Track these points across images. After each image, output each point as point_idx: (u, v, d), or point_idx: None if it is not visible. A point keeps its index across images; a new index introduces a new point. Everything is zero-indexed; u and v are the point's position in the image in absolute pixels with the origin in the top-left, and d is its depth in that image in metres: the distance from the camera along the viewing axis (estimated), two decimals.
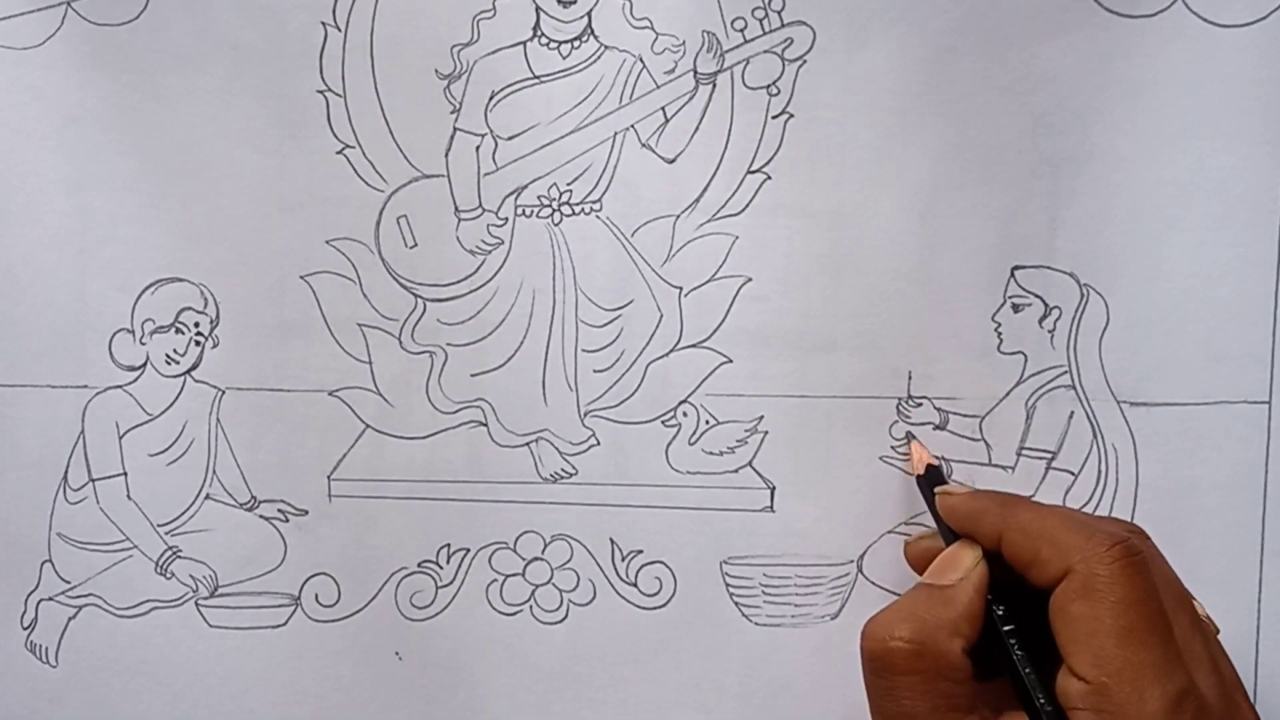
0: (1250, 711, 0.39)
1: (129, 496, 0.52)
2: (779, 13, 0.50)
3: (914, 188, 0.50)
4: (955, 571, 0.42)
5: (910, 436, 0.51)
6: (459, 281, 0.52)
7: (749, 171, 0.51)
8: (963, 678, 0.39)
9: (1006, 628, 0.41)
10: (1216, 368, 0.50)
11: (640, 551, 0.52)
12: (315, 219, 0.51)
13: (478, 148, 0.51)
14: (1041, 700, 0.39)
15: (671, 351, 0.52)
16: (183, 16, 0.51)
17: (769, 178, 0.51)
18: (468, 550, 0.52)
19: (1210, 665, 0.38)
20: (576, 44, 0.51)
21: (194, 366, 0.52)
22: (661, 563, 0.52)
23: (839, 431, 0.51)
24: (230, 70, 0.51)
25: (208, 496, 0.52)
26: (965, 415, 0.51)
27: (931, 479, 0.48)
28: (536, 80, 0.51)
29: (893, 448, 0.51)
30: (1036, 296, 0.51)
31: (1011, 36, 0.50)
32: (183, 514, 0.52)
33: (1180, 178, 0.50)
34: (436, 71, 0.51)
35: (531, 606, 0.52)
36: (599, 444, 0.52)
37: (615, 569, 0.52)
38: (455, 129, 0.51)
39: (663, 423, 0.52)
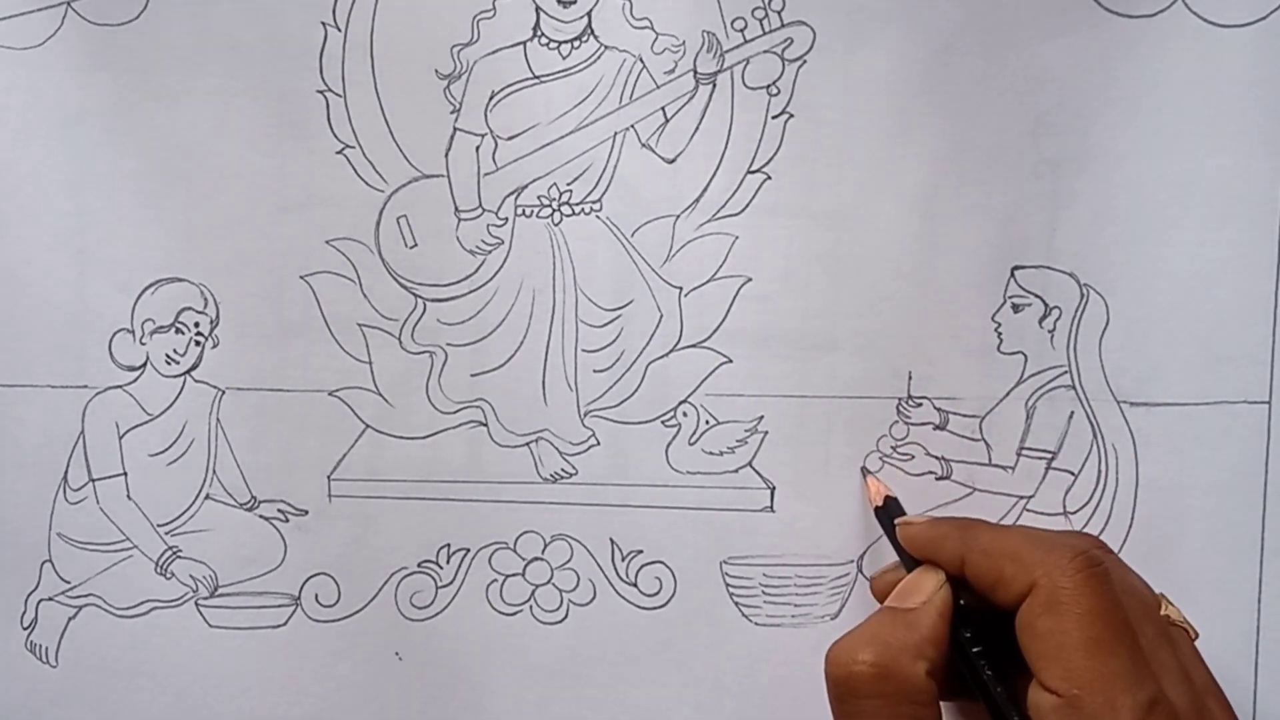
0: (1224, 714, 0.39)
1: (129, 496, 0.52)
2: (779, 13, 0.50)
3: (914, 188, 0.50)
4: (919, 595, 0.42)
5: (865, 472, 0.51)
6: (459, 281, 0.52)
7: (749, 171, 0.51)
8: (927, 700, 0.39)
9: (975, 649, 0.41)
10: (1216, 368, 0.50)
11: (640, 551, 0.52)
12: (315, 219, 0.51)
13: (478, 148, 0.51)
14: (1016, 718, 0.39)
15: (671, 351, 0.52)
16: (183, 16, 0.51)
17: (769, 178, 0.51)
18: (468, 550, 0.52)
19: (1179, 673, 0.38)
20: (576, 44, 0.51)
21: (194, 366, 0.52)
22: (661, 563, 0.52)
23: (839, 431, 0.51)
24: (230, 70, 0.51)
25: (208, 496, 0.52)
26: (965, 415, 0.51)
27: (890, 511, 0.48)
28: (536, 80, 0.51)
29: (893, 448, 0.51)
30: (1036, 296, 0.50)
31: (1011, 36, 0.50)
32: (183, 514, 0.52)
33: (1180, 178, 0.50)
34: (436, 71, 0.51)
35: (531, 606, 0.52)
36: (599, 444, 0.52)
37: (615, 569, 0.52)
38: (455, 129, 0.51)
39: (663, 423, 0.52)
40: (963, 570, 0.42)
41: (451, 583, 0.52)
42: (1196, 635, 0.41)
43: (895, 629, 0.40)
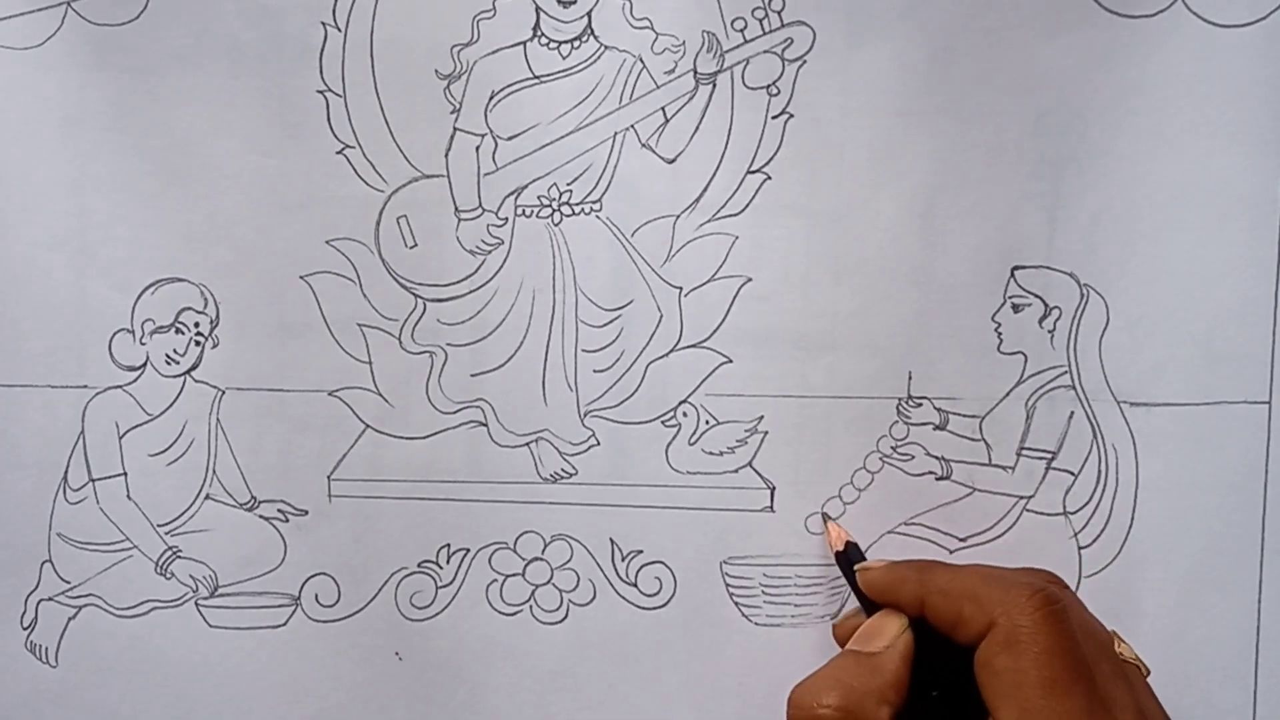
0: None
1: (129, 496, 0.52)
2: (779, 13, 0.50)
3: (914, 188, 0.50)
4: (881, 639, 0.42)
5: (826, 517, 0.51)
6: (459, 281, 0.52)
7: (749, 171, 0.51)
8: None
9: (934, 692, 0.41)
10: (1216, 368, 0.50)
11: (640, 551, 0.52)
12: (315, 219, 0.51)
13: (478, 148, 0.51)
14: None
15: (671, 351, 0.52)
16: (183, 16, 0.51)
17: (769, 178, 0.51)
18: (468, 550, 0.52)
19: (1135, 711, 0.38)
20: (576, 44, 0.51)
21: (194, 366, 0.52)
22: (661, 563, 0.52)
23: (839, 431, 0.51)
24: (230, 70, 0.51)
25: (208, 496, 0.52)
26: (965, 415, 0.51)
27: (850, 556, 0.48)
28: (536, 80, 0.51)
29: (893, 448, 0.51)
30: (1036, 296, 0.51)
31: (1011, 36, 0.50)
32: (183, 514, 0.52)
33: (1180, 178, 0.50)
34: (436, 71, 0.51)
35: (531, 606, 0.52)
36: (599, 444, 0.52)
37: (615, 569, 0.52)
38: (455, 129, 0.51)
39: (663, 423, 0.52)
40: (923, 612, 0.42)
41: (451, 583, 0.52)
42: (1148, 673, 0.41)
43: (859, 673, 0.41)
